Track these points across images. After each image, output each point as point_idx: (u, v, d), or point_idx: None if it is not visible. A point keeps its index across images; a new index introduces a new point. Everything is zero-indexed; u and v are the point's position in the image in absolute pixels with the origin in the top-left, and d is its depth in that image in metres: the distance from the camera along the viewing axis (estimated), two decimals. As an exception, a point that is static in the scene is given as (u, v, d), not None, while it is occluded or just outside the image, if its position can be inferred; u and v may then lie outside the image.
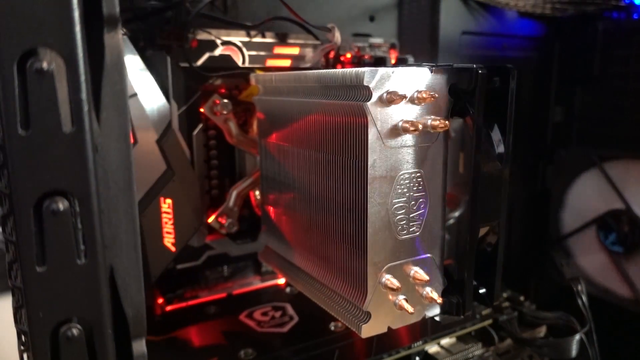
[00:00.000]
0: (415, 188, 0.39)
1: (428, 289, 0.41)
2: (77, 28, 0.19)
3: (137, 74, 0.46)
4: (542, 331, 0.59)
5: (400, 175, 0.38)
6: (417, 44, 0.74)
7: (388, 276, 0.38)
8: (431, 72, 0.37)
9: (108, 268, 0.22)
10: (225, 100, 0.54)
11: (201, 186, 0.57)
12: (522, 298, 0.62)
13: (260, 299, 0.61)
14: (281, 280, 0.65)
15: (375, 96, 0.35)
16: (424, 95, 0.36)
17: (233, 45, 0.54)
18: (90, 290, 0.20)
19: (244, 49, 0.55)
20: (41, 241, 0.19)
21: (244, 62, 0.55)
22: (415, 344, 0.51)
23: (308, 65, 0.59)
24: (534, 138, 0.91)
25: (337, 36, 0.58)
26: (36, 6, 0.18)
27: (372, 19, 0.71)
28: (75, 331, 0.20)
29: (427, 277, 0.39)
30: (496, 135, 0.42)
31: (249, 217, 0.61)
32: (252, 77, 0.52)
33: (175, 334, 0.52)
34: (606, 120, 0.86)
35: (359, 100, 0.36)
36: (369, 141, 0.36)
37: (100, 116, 0.21)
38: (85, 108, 0.19)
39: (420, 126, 0.36)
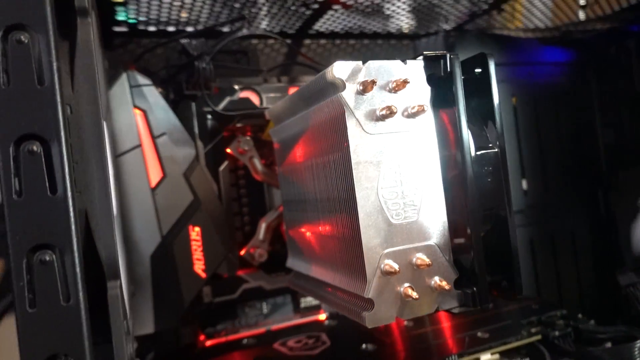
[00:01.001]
0: (405, 172, 0.40)
1: (437, 278, 0.40)
2: (48, 10, 0.24)
3: (165, 116, 0.53)
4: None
5: (386, 160, 0.39)
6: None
7: (387, 261, 0.38)
8: (404, 63, 0.40)
9: (82, 212, 0.26)
10: (247, 138, 0.60)
11: (233, 223, 0.61)
12: (580, 315, 0.57)
13: (298, 332, 0.60)
14: (322, 316, 0.65)
15: (348, 86, 0.38)
16: (398, 83, 0.39)
17: (251, 89, 0.61)
18: (60, 219, 0.24)
19: (261, 92, 0.61)
20: (18, 175, 0.23)
21: (261, 103, 0.61)
22: (450, 358, 0.48)
23: (324, 102, 0.64)
24: (585, 163, 0.87)
25: (347, 72, 0.63)
26: (17, -5, 0.24)
27: (388, 61, 0.76)
28: (47, 256, 0.24)
29: (428, 261, 0.39)
30: (486, 120, 0.42)
31: (282, 252, 0.63)
32: (266, 112, 0.57)
33: (211, 359, 0.54)
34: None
35: (336, 92, 0.39)
36: (348, 128, 0.38)
37: (73, 85, 0.26)
38: (54, 67, 0.24)
39: (395, 109, 0.38)
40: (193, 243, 0.54)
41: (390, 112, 0.38)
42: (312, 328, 0.62)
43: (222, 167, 0.59)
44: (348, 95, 0.38)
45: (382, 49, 0.77)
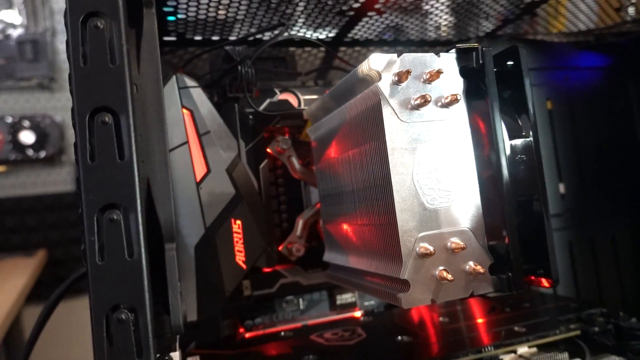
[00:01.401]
0: (439, 160, 0.41)
1: (471, 263, 0.41)
2: (121, 1, 0.28)
3: (210, 115, 0.57)
4: (649, 347, 0.52)
5: (421, 147, 0.41)
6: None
7: (422, 244, 0.40)
8: (438, 56, 0.42)
9: (145, 179, 0.29)
10: (286, 138, 0.62)
11: (271, 220, 0.64)
12: (621, 313, 0.56)
13: (334, 327, 0.62)
14: (357, 313, 0.66)
15: (384, 77, 0.40)
16: (432, 73, 0.41)
17: (290, 91, 0.64)
18: (126, 183, 0.27)
19: (299, 94, 0.64)
20: (91, 144, 0.27)
21: (299, 105, 0.64)
22: (486, 348, 0.48)
23: (359, 104, 0.66)
24: (625, 168, 0.86)
25: (382, 75, 0.65)
26: (94, -14, 0.27)
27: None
28: (115, 215, 0.26)
29: (462, 244, 0.40)
30: (519, 110, 0.44)
31: (319, 248, 0.65)
32: (304, 112, 0.60)
33: (251, 349, 0.56)
34: None
35: (372, 84, 0.41)
36: (384, 116, 0.40)
37: (139, 67, 0.29)
38: (124, 49, 0.27)
39: (429, 98, 0.40)
40: (235, 235, 0.56)
41: (424, 101, 0.40)
42: (347, 324, 0.63)
43: (262, 165, 0.62)
44: (384, 85, 0.40)
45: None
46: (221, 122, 0.57)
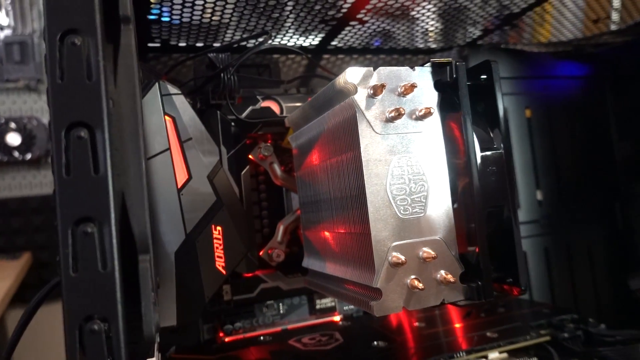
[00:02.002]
0: (412, 171, 0.42)
1: (442, 272, 0.42)
2: (97, 20, 0.28)
3: (192, 123, 0.57)
4: (616, 350, 0.53)
5: (395, 158, 0.42)
6: (450, 92, 0.80)
7: (395, 253, 0.41)
8: (413, 70, 0.43)
9: (119, 193, 0.29)
10: (268, 145, 0.63)
11: (253, 225, 0.64)
12: (591, 319, 0.58)
13: (313, 332, 0.63)
14: (336, 317, 0.67)
15: (360, 90, 0.41)
16: (407, 87, 0.42)
17: (272, 99, 0.65)
18: (100, 197, 0.27)
19: (281, 102, 0.65)
20: (67, 159, 0.27)
21: (282, 112, 0.65)
22: (458, 354, 0.50)
23: (340, 112, 0.67)
24: (601, 175, 0.88)
25: (363, 84, 0.66)
26: (73, 3, 0.28)
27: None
28: (89, 228, 0.27)
29: (434, 254, 0.41)
30: (491, 123, 0.45)
31: (299, 254, 0.66)
32: (286, 120, 0.61)
33: (229, 353, 0.56)
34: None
35: (348, 96, 0.42)
36: (359, 128, 0.41)
37: (116, 82, 0.30)
38: (101, 67, 0.28)
39: (403, 111, 0.41)
40: (215, 241, 0.57)
41: (398, 114, 0.41)
42: (327, 328, 0.64)
43: (243, 172, 0.63)
44: (359, 98, 0.41)
45: (397, 62, 0.81)
46: (203, 129, 0.58)
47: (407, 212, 0.42)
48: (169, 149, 0.56)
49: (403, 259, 0.40)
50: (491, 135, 0.45)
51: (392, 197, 0.41)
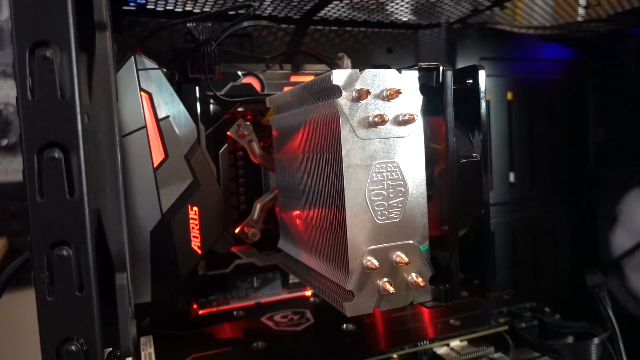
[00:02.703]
0: (392, 177, 0.43)
1: (413, 275, 0.43)
2: (71, 30, 0.26)
3: (169, 100, 0.55)
4: (568, 342, 0.57)
5: (376, 164, 0.42)
6: (435, 71, 0.79)
7: (369, 257, 0.42)
8: (400, 73, 0.42)
9: (95, 209, 0.29)
10: (247, 123, 0.62)
11: (229, 201, 0.64)
12: (547, 309, 0.61)
13: (285, 307, 0.65)
14: (308, 292, 0.69)
15: (344, 94, 0.40)
16: (392, 92, 0.41)
17: (253, 75, 0.63)
18: (76, 220, 0.27)
19: (263, 79, 0.63)
20: (40, 180, 0.26)
21: (263, 89, 0.63)
22: (422, 343, 0.52)
23: (323, 91, 0.66)
24: (575, 160, 0.90)
25: (347, 64, 0.65)
26: (44, 12, 0.26)
27: (389, 50, 0.78)
28: (65, 252, 0.27)
29: (406, 259, 0.42)
30: (472, 129, 0.45)
31: (275, 231, 0.67)
32: (267, 100, 0.59)
33: (203, 329, 0.58)
34: (647, 136, 0.84)
35: (332, 98, 0.41)
36: (342, 133, 0.41)
37: (91, 94, 0.29)
38: (75, 83, 0.27)
39: (387, 117, 0.41)
40: (191, 221, 0.57)
41: (382, 121, 0.41)
42: (298, 303, 0.67)
43: (221, 150, 0.62)
44: (343, 102, 0.40)
45: (384, 39, 0.78)
46: (181, 107, 0.56)
47: (384, 217, 0.42)
48: (145, 126, 0.54)
49: (377, 265, 0.41)
50: (471, 140, 0.45)
51: (370, 203, 0.42)
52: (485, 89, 0.45)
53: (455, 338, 0.54)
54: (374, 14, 0.72)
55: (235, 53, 0.62)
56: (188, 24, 0.60)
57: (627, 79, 0.85)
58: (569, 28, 0.81)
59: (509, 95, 0.84)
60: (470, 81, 0.45)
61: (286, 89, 0.65)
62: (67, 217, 0.27)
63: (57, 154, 0.26)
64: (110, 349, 0.32)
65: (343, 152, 0.41)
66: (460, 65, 0.78)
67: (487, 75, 0.82)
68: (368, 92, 0.40)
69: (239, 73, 0.62)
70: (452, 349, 0.54)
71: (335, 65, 0.66)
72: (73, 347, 0.27)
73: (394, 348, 0.51)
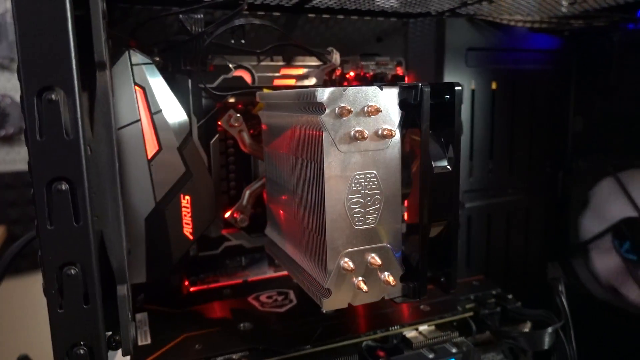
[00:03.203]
0: (369, 186, 0.46)
1: (386, 274, 0.48)
2: (74, 73, 0.29)
3: (162, 94, 0.58)
4: (526, 327, 0.63)
5: (355, 175, 0.45)
6: (423, 62, 0.81)
7: (346, 259, 0.46)
8: (381, 90, 0.45)
9: (98, 232, 0.32)
10: (238, 115, 0.65)
11: (220, 187, 0.68)
12: (509, 296, 0.67)
13: (270, 286, 0.70)
14: (292, 272, 0.74)
15: (327, 110, 0.43)
16: (372, 109, 0.44)
17: (244, 68, 0.64)
18: (82, 243, 0.30)
19: (254, 71, 0.65)
20: (50, 209, 0.30)
21: (253, 82, 0.65)
22: (393, 327, 0.58)
23: (312, 83, 0.68)
24: (553, 148, 0.93)
25: (336, 58, 0.67)
26: (48, 60, 0.28)
27: (379, 39, 0.79)
28: (72, 271, 0.31)
29: (379, 262, 0.46)
30: (445, 141, 0.48)
31: (263, 215, 0.71)
32: (257, 95, 0.62)
33: (194, 308, 0.63)
34: (623, 129, 0.87)
35: (316, 113, 0.44)
36: (324, 147, 0.44)
37: (93, 129, 0.31)
38: (80, 124, 0.29)
39: (367, 134, 0.44)
40: (183, 210, 0.61)
41: (362, 137, 0.44)
42: (283, 282, 0.72)
43: (213, 140, 0.65)
44: (326, 119, 0.43)
45: (374, 28, 0.79)
46: (174, 100, 0.59)
47: (361, 223, 0.46)
48: (139, 120, 0.57)
49: (352, 267, 0.45)
50: (445, 152, 0.49)
51: (349, 210, 0.46)
52: (460, 106, 0.48)
53: (424, 323, 0.59)
54: (365, 3, 0.73)
55: (227, 46, 0.63)
56: (180, 16, 0.61)
57: (609, 72, 0.88)
58: (558, 22, 0.83)
59: (494, 85, 0.86)
60: (448, 97, 0.48)
61: (276, 81, 0.67)
62: (74, 242, 0.30)
63: (63, 186, 0.30)
64: (110, 332, 0.37)
65: (325, 165, 0.44)
66: (448, 55, 0.80)
67: (474, 66, 0.84)
68: (350, 111, 0.43)
69: (230, 66, 0.64)
70: (420, 332, 0.59)
71: (324, 58, 0.68)
72: (81, 351, 0.31)
73: (368, 332, 0.57)
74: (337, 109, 0.43)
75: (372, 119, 0.45)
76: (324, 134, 0.44)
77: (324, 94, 0.43)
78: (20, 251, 0.57)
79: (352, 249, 0.46)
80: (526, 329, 0.63)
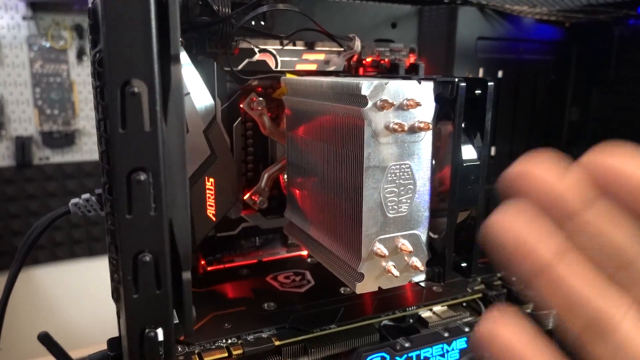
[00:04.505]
0: (404, 176, 0.48)
1: (414, 259, 0.50)
2: (155, 67, 0.30)
3: (191, 77, 0.58)
4: (529, 308, 0.67)
5: (391, 165, 0.47)
6: (435, 49, 0.82)
7: (379, 245, 0.48)
8: (419, 84, 0.47)
9: (168, 220, 0.33)
10: (260, 98, 0.65)
11: (239, 169, 0.69)
12: (514, 278, 0.70)
13: (285, 266, 0.72)
14: (304, 252, 0.76)
15: (370, 103, 0.45)
16: (411, 102, 0.46)
17: (268, 52, 0.65)
18: (157, 232, 0.31)
19: (277, 56, 0.65)
20: (129, 200, 0.31)
21: (277, 66, 0.65)
22: (410, 308, 0.61)
23: (332, 69, 0.69)
24: (550, 137, 0.97)
25: (357, 44, 0.67)
26: (132, 54, 0.29)
27: (394, 25, 0.80)
28: (147, 258, 0.32)
29: (411, 248, 0.49)
30: (475, 135, 0.51)
31: (278, 197, 0.72)
32: (282, 80, 0.62)
33: (215, 287, 0.65)
34: (618, 121, 0.91)
35: (358, 105, 0.46)
36: (365, 138, 0.45)
37: (166, 121, 0.32)
38: (159, 116, 0.30)
39: (406, 127, 0.46)
40: (207, 191, 0.62)
41: (401, 129, 0.46)
42: (297, 263, 0.74)
43: (236, 123, 0.65)
44: (369, 110, 0.45)
45: (389, 14, 0.80)
46: (201, 83, 0.59)
47: (394, 211, 0.48)
48: (167, 102, 0.57)
49: (386, 253, 0.48)
50: (474, 144, 0.51)
51: (384, 199, 0.48)
52: (492, 101, 0.50)
53: (438, 304, 0.63)
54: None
55: (252, 29, 0.63)
56: (207, -2, 0.60)
57: (608, 64, 0.91)
58: (564, 14, 0.85)
59: (500, 74, 0.89)
60: (479, 92, 0.50)
61: (298, 66, 0.68)
62: (150, 230, 0.31)
63: (142, 176, 0.31)
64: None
65: (365, 155, 0.46)
66: (458, 44, 0.82)
67: (483, 55, 0.86)
68: (391, 104, 0.45)
69: (255, 49, 0.64)
70: (434, 312, 0.62)
71: (345, 44, 0.68)
72: (152, 334, 0.32)
73: (387, 312, 0.60)
74: (378, 102, 0.45)
75: (410, 112, 0.47)
76: (365, 125, 0.45)
77: (368, 86, 0.44)
78: (49, 225, 0.57)
79: (385, 236, 0.48)
80: (528, 310, 0.67)
